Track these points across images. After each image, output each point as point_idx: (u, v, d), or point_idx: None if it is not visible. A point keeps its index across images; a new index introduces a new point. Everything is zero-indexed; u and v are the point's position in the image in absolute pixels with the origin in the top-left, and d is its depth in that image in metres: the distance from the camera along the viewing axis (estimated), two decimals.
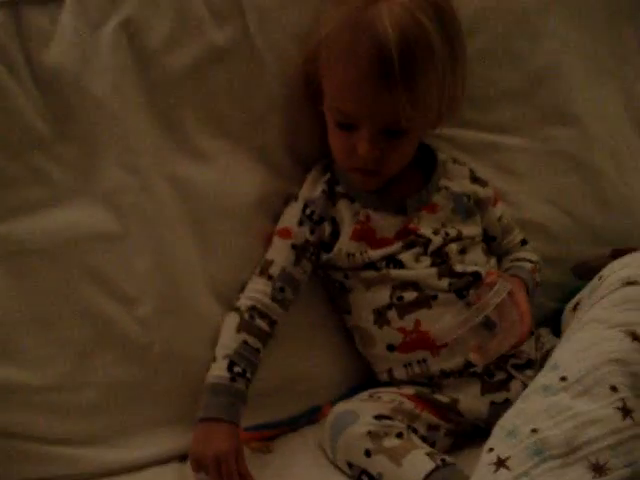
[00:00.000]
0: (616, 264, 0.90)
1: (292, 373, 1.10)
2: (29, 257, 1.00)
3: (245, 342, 1.01)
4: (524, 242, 1.17)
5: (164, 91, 1.05)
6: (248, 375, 0.99)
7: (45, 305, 1.01)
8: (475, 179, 1.14)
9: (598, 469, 0.74)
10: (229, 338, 1.01)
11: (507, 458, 0.77)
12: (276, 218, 1.10)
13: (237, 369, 0.98)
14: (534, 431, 0.78)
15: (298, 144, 1.12)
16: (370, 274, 1.06)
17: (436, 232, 1.07)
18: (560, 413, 0.78)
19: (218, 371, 0.99)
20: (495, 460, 0.78)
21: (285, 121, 1.11)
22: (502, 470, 0.77)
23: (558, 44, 1.22)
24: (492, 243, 1.15)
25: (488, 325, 0.97)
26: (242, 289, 1.06)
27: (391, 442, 0.92)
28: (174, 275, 1.04)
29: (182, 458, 1.03)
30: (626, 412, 0.77)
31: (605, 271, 0.91)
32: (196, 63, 1.06)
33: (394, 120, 0.98)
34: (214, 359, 1.00)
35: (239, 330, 1.01)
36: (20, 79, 1.00)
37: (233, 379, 0.98)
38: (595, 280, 0.92)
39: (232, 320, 1.03)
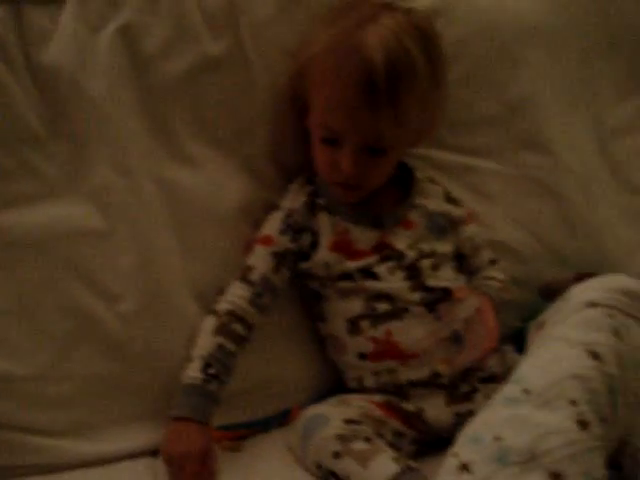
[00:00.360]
0: (580, 287, 0.94)
1: (265, 376, 1.12)
2: (16, 249, 1.02)
3: (220, 345, 1.03)
4: (493, 262, 1.22)
5: (157, 96, 1.08)
6: (222, 377, 1.01)
7: (29, 297, 1.02)
8: (449, 199, 1.18)
9: (556, 477, 0.78)
10: (205, 340, 1.04)
11: (470, 462, 0.81)
12: (257, 225, 1.13)
13: (211, 371, 1.01)
14: (497, 439, 0.81)
15: (282, 156, 1.16)
16: (346, 284, 1.09)
17: (410, 247, 1.11)
18: (522, 423, 0.82)
19: (192, 372, 1.01)
20: (459, 464, 0.82)
21: (271, 133, 1.14)
22: (465, 474, 0.80)
23: (535, 74, 1.27)
24: (463, 261, 1.19)
25: (456, 338, 1.02)
26: (222, 293, 1.08)
27: (359, 445, 0.94)
28: (156, 275, 1.07)
29: (154, 453, 1.04)
30: (584, 425, 0.81)
31: (569, 293, 0.95)
32: (190, 71, 1.09)
33: (377, 138, 1.03)
34: (190, 359, 1.03)
35: (215, 333, 1.04)
36: (18, 76, 1.02)
37: (206, 380, 1.00)
38: (560, 301, 0.96)
39: (209, 323, 1.05)
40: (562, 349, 0.87)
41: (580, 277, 1.07)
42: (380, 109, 1.00)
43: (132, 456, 1.04)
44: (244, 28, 1.12)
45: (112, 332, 1.05)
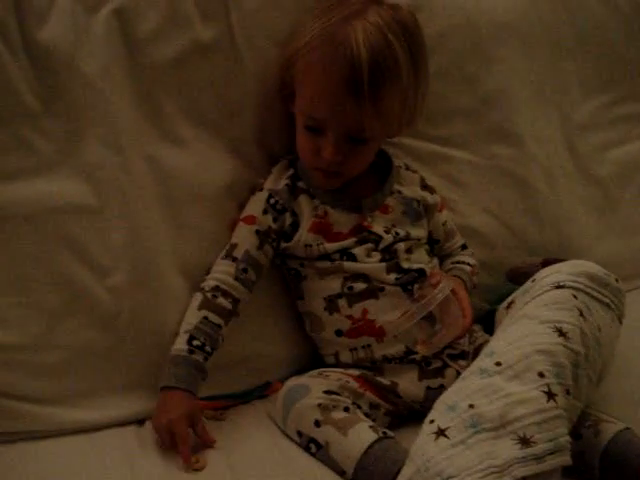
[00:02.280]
0: (548, 270, 1.00)
1: (246, 351, 1.17)
2: (9, 222, 1.04)
3: (205, 318, 1.07)
4: (464, 247, 1.28)
5: (149, 78, 1.12)
6: (207, 348, 1.05)
7: (21, 269, 1.05)
8: (425, 186, 1.24)
9: (525, 441, 0.83)
10: (191, 315, 1.08)
11: (447, 428, 0.87)
12: (242, 205, 1.17)
13: (196, 342, 1.05)
14: (471, 406, 0.87)
15: (268, 139, 1.20)
16: (324, 264, 1.14)
17: (387, 231, 1.15)
18: (494, 393, 0.87)
19: (178, 344, 1.05)
20: (436, 430, 0.87)
21: (258, 117, 1.18)
22: (442, 438, 0.86)
23: (507, 70, 1.33)
24: (435, 245, 1.25)
25: (431, 320, 1.06)
26: (208, 271, 1.12)
27: (339, 415, 0.99)
28: (145, 250, 1.10)
29: (140, 422, 1.08)
30: (550, 395, 0.86)
31: (538, 275, 1.01)
32: (181, 55, 1.13)
33: (358, 129, 1.08)
34: (177, 334, 1.06)
35: (200, 308, 1.08)
36: (15, 53, 1.04)
37: (191, 351, 1.04)
38: (528, 282, 1.02)
39: (195, 299, 1.09)
40: (531, 326, 0.93)
41: (547, 262, 1.13)
42: (362, 102, 1.04)
43: (120, 424, 1.08)
44: (234, 15, 1.15)
45: (102, 304, 1.08)
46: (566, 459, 0.84)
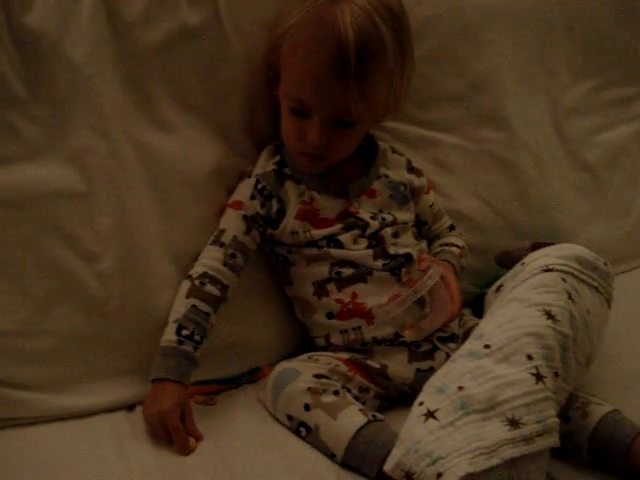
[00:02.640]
0: (537, 253, 1.01)
1: (236, 336, 1.17)
2: None
3: (194, 306, 1.06)
4: (452, 227, 1.28)
5: (136, 63, 1.11)
6: (196, 337, 1.05)
7: (10, 255, 1.05)
8: (411, 169, 1.23)
9: (514, 423, 0.84)
10: (179, 304, 1.07)
11: (436, 410, 0.87)
12: (230, 190, 1.17)
13: (185, 332, 1.04)
14: (460, 388, 0.87)
15: (256, 124, 1.20)
16: (311, 251, 1.14)
17: (374, 217, 1.15)
18: (483, 375, 0.88)
19: (168, 335, 1.05)
20: (425, 412, 0.87)
21: (246, 102, 1.18)
22: (431, 420, 0.86)
23: (496, 54, 1.34)
24: (423, 227, 1.25)
25: (419, 305, 1.07)
26: (196, 258, 1.12)
27: (328, 398, 1.00)
28: (134, 235, 1.10)
29: (130, 407, 1.08)
30: (539, 377, 0.87)
31: (527, 259, 1.01)
32: (168, 39, 1.12)
33: (345, 112, 1.07)
34: (166, 324, 1.06)
35: (188, 296, 1.07)
36: (0, 40, 1.03)
37: (180, 342, 1.03)
38: (518, 266, 1.02)
39: (183, 287, 1.08)
40: (520, 309, 0.93)
41: (536, 246, 1.14)
42: (349, 85, 1.04)
43: (110, 410, 1.08)
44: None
45: (90, 290, 1.08)
46: (554, 440, 0.85)
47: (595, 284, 0.99)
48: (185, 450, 0.98)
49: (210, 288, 1.08)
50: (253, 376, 1.17)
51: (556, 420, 0.86)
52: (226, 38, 1.15)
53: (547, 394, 0.86)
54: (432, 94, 1.30)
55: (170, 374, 1.02)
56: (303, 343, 1.20)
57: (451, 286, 1.10)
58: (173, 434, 0.99)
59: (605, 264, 1.01)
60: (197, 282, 1.08)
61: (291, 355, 1.16)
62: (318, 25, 1.04)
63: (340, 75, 1.03)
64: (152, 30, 1.11)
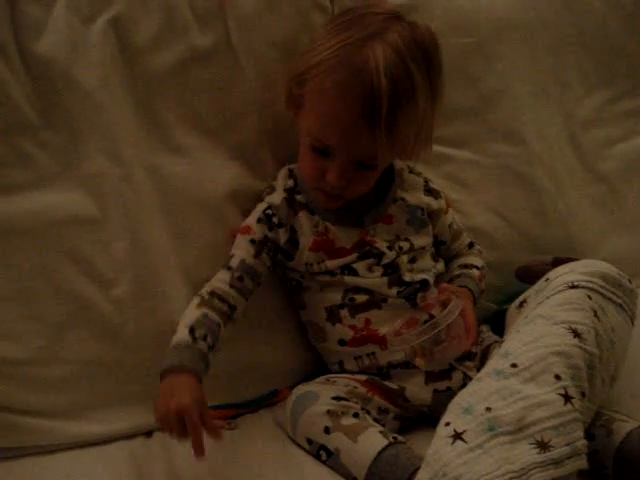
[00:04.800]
0: (561, 269, 0.99)
1: (252, 359, 1.16)
2: (11, 236, 1.04)
3: (205, 315, 1.03)
4: (471, 245, 1.26)
5: (148, 87, 1.11)
6: (209, 340, 1.00)
7: (25, 282, 1.05)
8: (429, 190, 1.20)
9: (543, 446, 0.82)
10: (189, 314, 1.04)
11: (463, 432, 0.85)
12: (245, 213, 1.15)
13: (199, 332, 1.00)
14: (488, 409, 0.86)
15: (269, 145, 1.19)
16: (325, 278, 1.12)
17: (391, 246, 1.13)
18: (511, 395, 0.86)
19: (179, 335, 1.00)
20: (452, 433, 0.86)
21: (258, 123, 1.17)
22: (459, 442, 0.85)
23: (508, 68, 1.33)
24: (442, 247, 1.23)
25: (437, 340, 1.04)
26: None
27: (348, 421, 0.98)
28: (149, 260, 1.10)
29: (148, 433, 1.08)
30: (567, 398, 0.85)
31: (551, 274, 1.00)
32: (179, 63, 1.12)
33: (370, 156, 1.05)
34: (175, 332, 1.01)
35: (199, 306, 1.04)
36: (12, 66, 1.04)
37: (194, 340, 0.99)
38: (542, 281, 1.01)
39: (193, 301, 1.06)
40: (546, 327, 0.92)
41: (557, 261, 1.13)
42: (378, 130, 1.00)
43: (126, 437, 1.07)
44: (232, 21, 1.15)
45: (106, 316, 1.08)
46: (583, 463, 0.83)
47: (620, 301, 0.98)
48: (201, 450, 0.90)
49: (219, 304, 1.06)
50: (271, 399, 1.16)
51: (584, 442, 0.84)
52: (237, 60, 1.15)
53: (575, 415, 0.85)
54: (445, 110, 1.25)
55: (184, 362, 0.96)
56: (320, 365, 1.19)
57: (468, 320, 1.07)
58: (192, 432, 0.90)
59: (629, 281, 1.00)
60: (206, 296, 1.06)
61: (308, 377, 1.15)
62: (348, 68, 1.00)
63: (369, 123, 1.00)
64: (163, 54, 1.11)
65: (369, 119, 0.99)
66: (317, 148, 1.06)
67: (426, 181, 1.22)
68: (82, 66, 1.07)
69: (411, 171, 1.21)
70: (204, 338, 1.01)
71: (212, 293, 1.07)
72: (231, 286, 1.08)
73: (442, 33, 1.23)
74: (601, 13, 1.45)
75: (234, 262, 1.10)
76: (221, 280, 1.09)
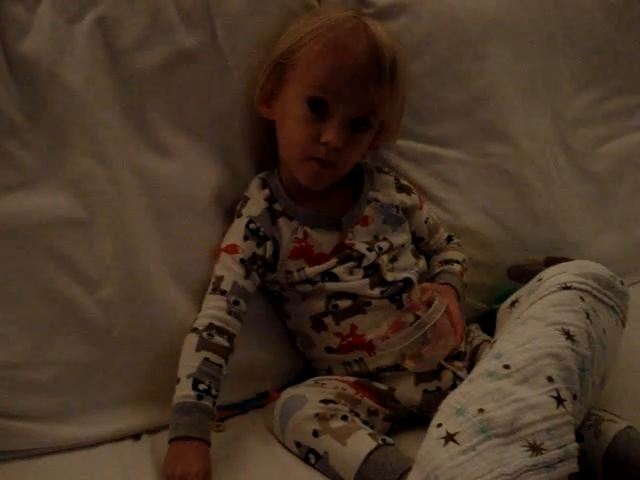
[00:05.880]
0: (554, 269, 0.99)
1: (242, 361, 1.13)
2: None
3: (206, 359, 1.01)
4: (450, 239, 1.26)
5: (134, 87, 1.10)
6: (213, 392, 0.99)
7: (10, 284, 1.03)
8: (400, 187, 1.21)
9: (535, 448, 0.82)
10: (190, 358, 1.01)
11: (456, 433, 0.84)
12: (230, 214, 1.15)
13: (202, 386, 0.99)
14: (480, 411, 0.85)
15: (255, 145, 1.19)
16: (305, 288, 1.11)
17: (370, 248, 1.12)
18: (504, 397, 0.86)
19: (184, 391, 0.99)
20: (444, 435, 0.85)
21: (244, 124, 1.17)
22: (451, 443, 0.84)
23: (497, 67, 1.32)
24: (420, 243, 1.23)
25: (424, 340, 1.04)
26: (200, 282, 1.10)
27: (337, 423, 0.98)
28: (135, 261, 1.08)
29: (136, 436, 1.07)
30: (560, 401, 0.85)
31: (544, 274, 0.99)
32: (165, 63, 1.11)
33: (370, 111, 1.06)
34: (178, 381, 1.00)
35: (199, 349, 1.02)
36: None
37: (200, 397, 0.98)
38: (534, 281, 1.00)
39: (191, 340, 1.03)
40: (539, 328, 0.91)
41: (550, 261, 1.12)
42: (382, 83, 1.05)
43: (113, 440, 1.06)
44: (218, 21, 1.14)
45: (93, 318, 1.07)
46: (574, 466, 0.83)
47: (612, 304, 0.98)
48: None
49: (219, 339, 1.03)
50: (261, 401, 1.15)
51: (576, 445, 0.84)
52: (224, 60, 1.15)
53: (568, 418, 0.85)
54: (435, 109, 1.29)
55: (193, 432, 0.96)
56: (310, 367, 1.19)
57: (454, 317, 1.07)
58: None
59: (622, 283, 1.00)
60: (205, 334, 1.03)
61: (298, 379, 1.14)
62: (350, 28, 1.06)
63: (376, 72, 1.04)
64: (149, 54, 1.10)
65: (376, 69, 1.05)
66: (316, 102, 1.05)
67: (396, 179, 1.22)
68: (67, 66, 1.05)
69: (380, 170, 1.21)
70: (209, 391, 0.99)
71: (210, 326, 1.04)
72: (229, 313, 1.05)
73: (430, 34, 1.28)
74: (590, 13, 1.45)
75: (226, 285, 1.07)
76: (217, 307, 1.06)
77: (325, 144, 1.05)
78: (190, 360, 1.01)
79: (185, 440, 0.96)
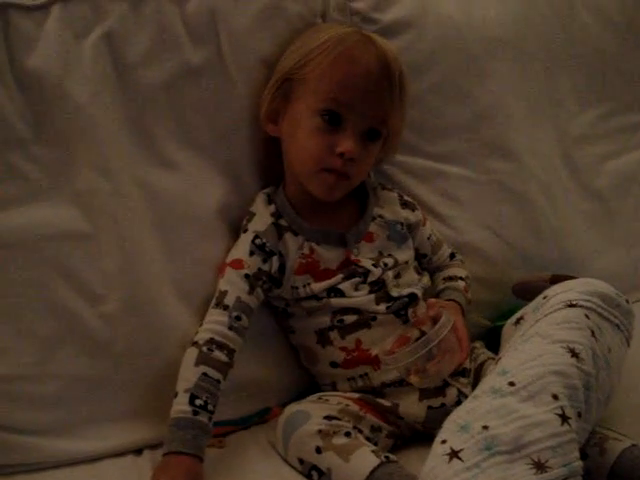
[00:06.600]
0: (559, 287, 0.99)
1: (245, 376, 1.13)
2: (1, 250, 1.02)
3: (204, 374, 1.01)
4: (453, 255, 1.26)
5: (139, 102, 1.10)
6: (210, 407, 0.99)
7: (14, 297, 1.03)
8: (405, 203, 1.21)
9: (540, 466, 0.82)
10: (189, 372, 1.01)
11: (460, 450, 0.84)
12: (234, 229, 1.15)
13: (199, 402, 0.99)
14: (485, 428, 0.85)
15: (260, 161, 1.19)
16: (311, 304, 1.11)
17: (375, 264, 1.13)
18: (508, 414, 0.85)
19: (180, 406, 0.99)
20: (449, 451, 0.84)
21: (249, 139, 1.17)
22: (455, 460, 0.83)
23: (501, 84, 1.33)
24: (423, 260, 1.23)
25: (430, 356, 1.03)
26: (203, 298, 1.10)
27: (340, 440, 0.97)
28: (140, 275, 1.08)
29: (138, 451, 1.06)
30: (564, 418, 0.84)
31: (549, 292, 0.99)
32: (171, 78, 1.12)
33: (381, 121, 1.09)
34: (175, 394, 1.00)
35: (197, 363, 1.01)
36: (3, 80, 1.03)
37: (195, 412, 0.98)
38: (540, 299, 1.00)
39: (191, 354, 1.03)
40: (544, 345, 0.91)
41: (555, 279, 1.12)
42: (393, 93, 1.08)
43: (116, 454, 1.06)
44: (224, 37, 1.14)
45: (96, 332, 1.06)
46: None
47: (617, 322, 0.97)
48: None
49: (218, 354, 1.03)
50: (263, 417, 1.15)
51: (580, 463, 0.84)
52: (229, 76, 1.15)
53: (572, 436, 0.84)
54: (439, 126, 1.29)
55: (186, 447, 0.96)
56: (313, 382, 1.18)
57: (460, 333, 1.07)
58: None
59: (627, 301, 1.00)
60: (205, 349, 1.03)
61: (301, 395, 1.14)
62: (357, 41, 1.08)
63: (387, 83, 1.07)
64: (155, 69, 1.11)
65: (387, 80, 1.07)
66: (330, 114, 1.06)
67: (400, 195, 1.22)
68: (74, 81, 1.06)
69: (383, 187, 1.22)
70: (205, 407, 0.99)
71: (211, 341, 1.04)
72: (230, 328, 1.05)
73: (434, 51, 1.28)
74: (594, 30, 1.46)
75: (229, 300, 1.07)
76: (219, 322, 1.06)
77: (341, 155, 1.06)
78: (188, 374, 1.01)
79: (178, 455, 0.96)
